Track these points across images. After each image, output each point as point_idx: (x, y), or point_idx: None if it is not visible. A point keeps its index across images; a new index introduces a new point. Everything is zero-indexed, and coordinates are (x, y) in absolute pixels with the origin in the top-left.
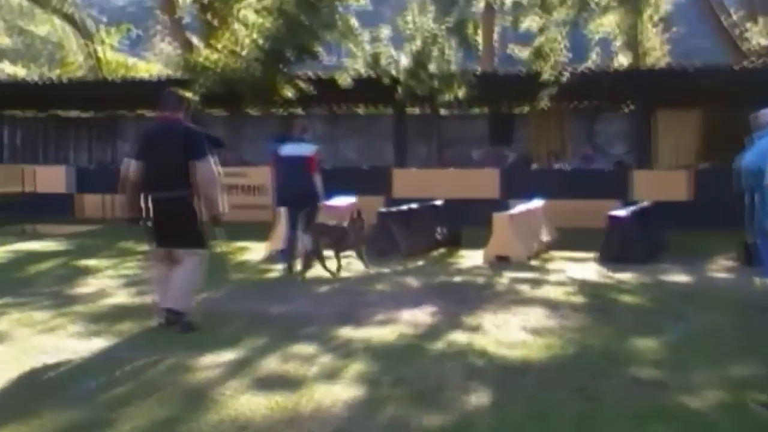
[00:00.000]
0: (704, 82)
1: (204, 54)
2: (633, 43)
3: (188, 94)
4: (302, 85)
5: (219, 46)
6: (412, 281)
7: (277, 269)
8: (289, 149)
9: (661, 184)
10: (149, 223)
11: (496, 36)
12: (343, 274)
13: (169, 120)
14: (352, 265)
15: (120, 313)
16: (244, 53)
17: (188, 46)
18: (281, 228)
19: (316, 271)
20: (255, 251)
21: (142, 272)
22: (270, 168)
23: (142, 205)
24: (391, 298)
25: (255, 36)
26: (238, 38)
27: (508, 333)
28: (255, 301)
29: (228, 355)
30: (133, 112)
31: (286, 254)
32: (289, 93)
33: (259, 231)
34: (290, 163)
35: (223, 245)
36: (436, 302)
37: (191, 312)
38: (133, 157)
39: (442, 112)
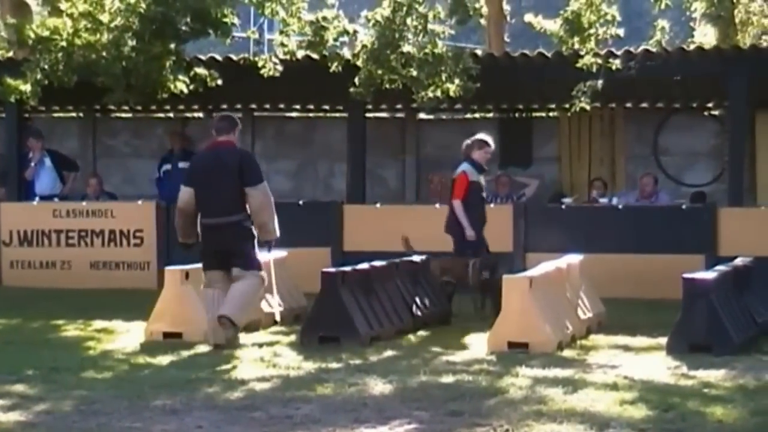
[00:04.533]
0: None
1: (46, 22)
2: (724, 11)
3: (20, 85)
4: (203, 72)
5: (70, 11)
6: (376, 383)
7: (158, 363)
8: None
9: (767, 229)
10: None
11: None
12: (271, 371)
13: (223, 145)
14: (282, 357)
15: None
16: (108, 20)
17: (20, 9)
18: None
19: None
20: (127, 334)
21: None
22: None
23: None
24: (341, 411)
25: None
26: None
27: None
28: (123, 417)
29: None
30: None
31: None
32: (181, 84)
33: (132, 301)
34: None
35: None
36: (413, 417)
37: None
38: (183, 183)
39: (424, 115)
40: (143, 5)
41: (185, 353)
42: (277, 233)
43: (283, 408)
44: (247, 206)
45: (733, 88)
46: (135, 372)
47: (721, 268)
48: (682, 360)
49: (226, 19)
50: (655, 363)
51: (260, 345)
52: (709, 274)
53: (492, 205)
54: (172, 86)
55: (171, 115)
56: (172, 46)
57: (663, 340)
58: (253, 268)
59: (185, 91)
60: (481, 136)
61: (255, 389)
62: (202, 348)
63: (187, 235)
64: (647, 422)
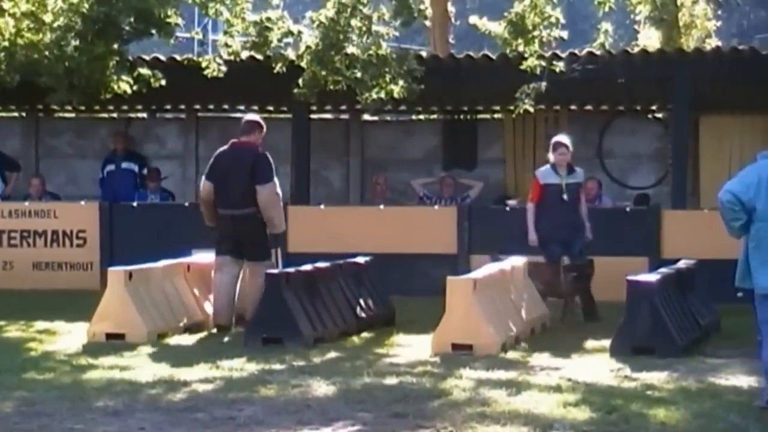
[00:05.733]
0: None
1: None
2: (668, 14)
3: None
4: (146, 72)
5: (12, 10)
6: (319, 385)
7: (101, 364)
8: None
9: (710, 232)
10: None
11: (451, 0)
12: (214, 372)
13: (243, 145)
14: (225, 358)
15: None
16: (51, 20)
17: None
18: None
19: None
20: (69, 336)
21: None
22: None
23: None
24: (285, 413)
25: None
26: None
27: None
28: (64, 418)
29: None
30: None
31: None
32: (124, 85)
33: (75, 302)
34: None
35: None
36: (357, 418)
37: None
38: (204, 177)
39: (368, 117)
40: (86, 5)
41: (128, 354)
42: (283, 227)
43: (226, 409)
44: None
45: (676, 91)
46: (77, 373)
47: (664, 270)
48: (626, 362)
49: (169, 20)
50: (598, 365)
51: (203, 346)
52: (653, 277)
53: (436, 207)
54: (115, 86)
55: (114, 115)
56: (116, 46)
57: (607, 342)
58: (264, 257)
59: (128, 91)
60: (556, 137)
61: (198, 390)
62: (146, 349)
63: (212, 219)
64: (590, 424)
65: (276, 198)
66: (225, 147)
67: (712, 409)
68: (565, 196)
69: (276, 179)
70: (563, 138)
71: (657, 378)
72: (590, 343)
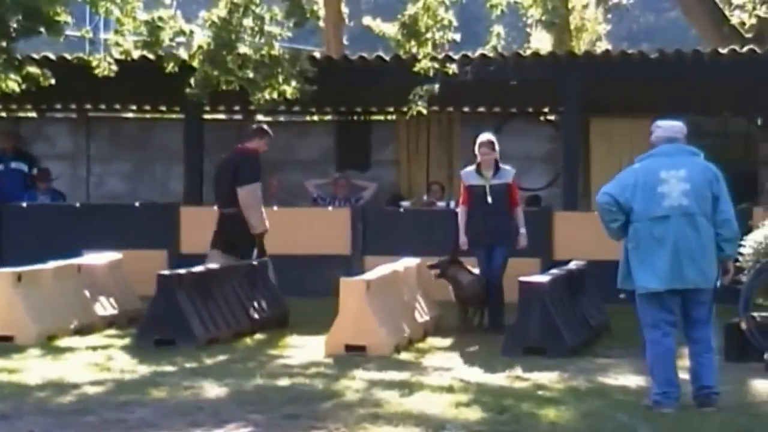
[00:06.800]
0: (672, 76)
1: None
2: (558, 17)
3: None
4: (35, 71)
5: None
6: (212, 387)
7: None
8: None
9: (600, 234)
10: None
11: (345, 1)
12: (105, 374)
13: (239, 150)
14: (116, 360)
15: None
16: None
17: None
18: None
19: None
20: None
21: None
22: None
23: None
24: (177, 415)
25: None
26: None
27: None
28: None
29: None
30: None
31: None
32: (13, 83)
33: None
34: None
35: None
36: (249, 420)
37: None
38: None
39: (261, 117)
40: None
41: (17, 356)
42: (259, 229)
43: (117, 412)
44: None
45: (567, 94)
46: None
47: (555, 271)
48: (517, 362)
49: (58, 18)
50: (490, 365)
51: (94, 348)
52: (544, 278)
53: (330, 208)
54: (3, 85)
55: (3, 114)
56: (3, 44)
57: (499, 343)
58: (246, 256)
59: (17, 90)
60: (480, 136)
61: (88, 393)
62: (35, 351)
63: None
64: (482, 424)
65: (251, 200)
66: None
67: (601, 409)
68: (489, 199)
69: (257, 183)
70: (486, 137)
71: (548, 378)
72: (482, 344)
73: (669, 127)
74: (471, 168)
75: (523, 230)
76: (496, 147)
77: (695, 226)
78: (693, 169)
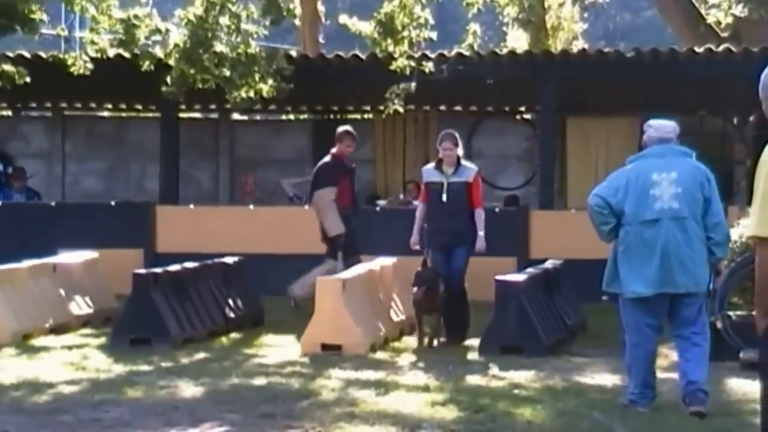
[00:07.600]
0: (648, 75)
1: None
2: (535, 16)
3: None
4: (10, 69)
5: None
6: (187, 386)
7: None
8: None
9: (576, 233)
10: None
11: (322, 0)
12: (80, 373)
13: (331, 155)
14: (91, 360)
15: None
16: None
17: None
18: None
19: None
20: None
21: None
22: None
23: None
24: (152, 414)
25: None
26: None
27: None
28: None
29: None
30: None
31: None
32: None
33: None
34: None
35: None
36: (225, 419)
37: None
38: None
39: (237, 116)
40: None
41: None
42: (334, 231)
43: (93, 411)
44: None
45: (543, 93)
46: None
47: (532, 270)
48: (494, 361)
49: (33, 15)
50: (466, 364)
51: (69, 347)
52: (521, 277)
53: (306, 207)
54: None
55: None
56: None
57: (475, 342)
58: (329, 257)
59: None
60: (442, 132)
61: (63, 392)
62: (9, 350)
63: None
64: (458, 423)
65: (323, 204)
66: None
67: (576, 407)
68: (444, 197)
69: (330, 188)
70: (448, 132)
71: (524, 377)
72: (460, 342)
73: (661, 127)
74: (431, 165)
75: (481, 233)
76: (459, 142)
77: (685, 229)
78: (684, 171)
